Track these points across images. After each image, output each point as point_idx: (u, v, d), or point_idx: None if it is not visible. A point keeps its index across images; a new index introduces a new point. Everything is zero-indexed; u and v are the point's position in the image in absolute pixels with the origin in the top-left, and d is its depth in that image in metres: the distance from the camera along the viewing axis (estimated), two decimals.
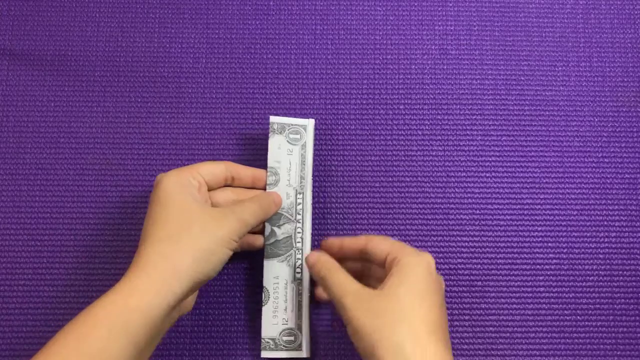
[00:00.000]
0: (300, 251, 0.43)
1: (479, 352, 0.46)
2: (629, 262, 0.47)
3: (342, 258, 0.43)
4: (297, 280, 0.43)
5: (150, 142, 0.49)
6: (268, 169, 0.44)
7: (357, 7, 0.51)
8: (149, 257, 0.37)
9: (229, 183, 0.44)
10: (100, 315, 0.35)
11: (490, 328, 0.46)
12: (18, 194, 0.47)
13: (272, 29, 0.51)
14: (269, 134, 0.44)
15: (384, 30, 0.51)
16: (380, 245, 0.40)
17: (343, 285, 0.39)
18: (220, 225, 0.39)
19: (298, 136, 0.44)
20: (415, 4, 0.51)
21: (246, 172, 0.44)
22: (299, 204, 0.44)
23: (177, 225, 0.38)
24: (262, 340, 0.41)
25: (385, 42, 0.51)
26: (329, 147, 0.49)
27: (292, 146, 0.44)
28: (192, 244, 0.38)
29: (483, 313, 0.46)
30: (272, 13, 0.51)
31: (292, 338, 0.41)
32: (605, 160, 0.49)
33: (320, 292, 0.43)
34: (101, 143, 0.49)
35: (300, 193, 0.44)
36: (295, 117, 0.49)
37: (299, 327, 0.42)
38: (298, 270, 0.43)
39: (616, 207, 0.48)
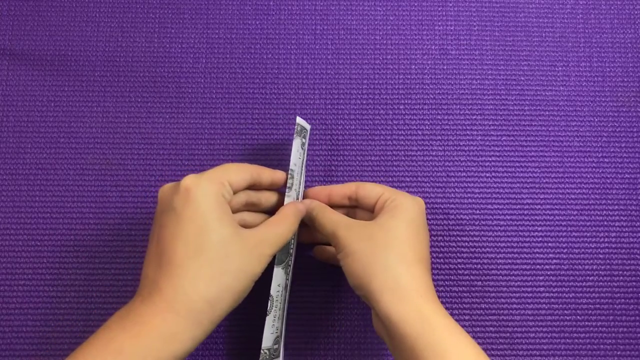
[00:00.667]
0: (292, 256, 0.43)
1: None
2: (629, 262, 0.47)
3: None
4: (286, 287, 0.42)
5: (150, 142, 0.49)
6: (289, 172, 0.42)
7: (357, 7, 0.51)
8: (190, 299, 0.34)
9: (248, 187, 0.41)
10: None
11: (490, 328, 0.46)
12: (18, 194, 0.47)
13: (272, 29, 0.51)
14: (294, 135, 0.42)
15: (384, 30, 0.51)
16: (374, 189, 0.42)
17: (335, 219, 0.41)
18: (258, 262, 0.37)
19: (305, 140, 0.44)
20: (415, 4, 0.52)
21: (267, 176, 0.41)
22: None
23: (217, 261, 0.35)
24: (262, 352, 0.40)
25: (385, 42, 0.51)
26: (329, 147, 0.49)
27: (302, 150, 0.44)
28: (233, 286, 0.36)
29: (483, 313, 0.46)
30: (272, 13, 0.51)
31: (277, 346, 0.41)
32: (605, 160, 0.49)
33: (319, 251, 0.45)
34: (101, 143, 0.49)
35: (297, 198, 0.44)
36: (294, 118, 0.49)
37: (281, 333, 0.41)
38: (288, 276, 0.42)
39: (616, 207, 0.48)
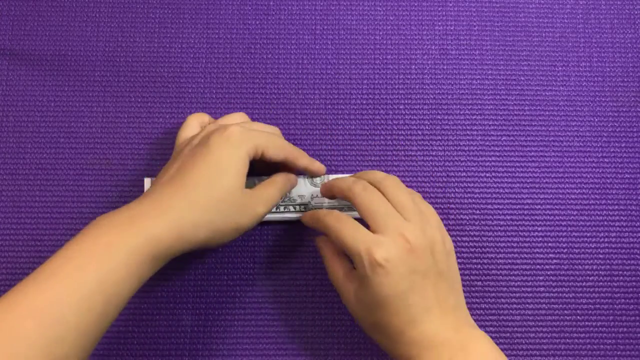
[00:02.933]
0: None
1: None
2: (629, 262, 0.47)
3: None
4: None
5: (150, 142, 0.49)
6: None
7: (357, 7, 0.51)
8: (180, 215, 0.36)
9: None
10: (123, 249, 0.35)
11: (490, 328, 0.46)
12: (18, 194, 0.47)
13: (272, 29, 0.51)
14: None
15: (384, 30, 0.51)
16: (349, 244, 0.38)
17: (331, 267, 0.41)
18: (247, 217, 0.39)
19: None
20: (415, 4, 0.52)
21: (302, 163, 0.44)
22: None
23: (216, 199, 0.38)
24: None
25: (385, 42, 0.51)
26: (329, 147, 0.49)
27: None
28: (215, 222, 0.38)
29: (483, 313, 0.46)
30: (272, 13, 0.51)
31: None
32: (605, 160, 0.49)
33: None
34: (101, 143, 0.49)
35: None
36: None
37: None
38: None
39: (616, 207, 0.48)
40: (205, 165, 0.38)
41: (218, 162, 0.38)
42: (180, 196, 0.37)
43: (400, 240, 0.37)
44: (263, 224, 0.47)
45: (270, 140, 0.41)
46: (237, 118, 0.45)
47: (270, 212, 0.42)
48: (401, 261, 0.37)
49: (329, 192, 0.44)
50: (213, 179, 0.38)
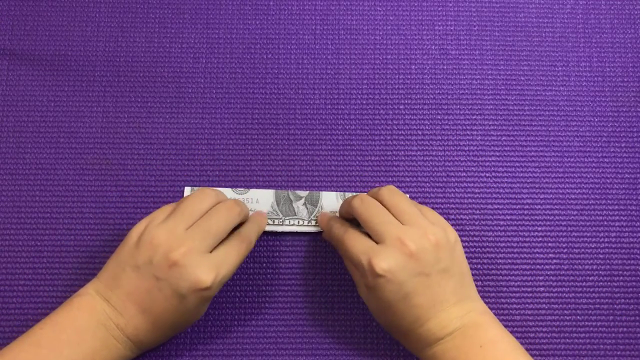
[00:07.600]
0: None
1: None
2: (629, 262, 0.47)
3: None
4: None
5: (150, 142, 0.49)
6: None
7: (357, 7, 0.51)
8: (146, 337, 0.40)
9: None
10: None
11: None
12: (18, 194, 0.47)
13: (272, 29, 0.51)
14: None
15: (384, 30, 0.51)
16: (355, 254, 0.39)
17: (351, 273, 0.42)
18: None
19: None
20: (415, 4, 0.51)
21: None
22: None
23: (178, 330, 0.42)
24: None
25: (385, 42, 0.51)
26: (329, 147, 0.49)
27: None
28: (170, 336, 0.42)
29: None
30: (272, 13, 0.51)
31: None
32: (605, 160, 0.49)
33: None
34: (101, 143, 0.49)
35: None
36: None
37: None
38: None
39: (616, 207, 0.48)
40: (179, 316, 0.39)
41: (192, 313, 0.40)
42: (151, 335, 0.40)
43: (399, 246, 0.38)
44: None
45: (233, 265, 0.40)
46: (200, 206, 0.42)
47: (297, 225, 0.46)
48: (402, 268, 0.38)
49: (342, 214, 0.45)
50: (184, 325, 0.41)
